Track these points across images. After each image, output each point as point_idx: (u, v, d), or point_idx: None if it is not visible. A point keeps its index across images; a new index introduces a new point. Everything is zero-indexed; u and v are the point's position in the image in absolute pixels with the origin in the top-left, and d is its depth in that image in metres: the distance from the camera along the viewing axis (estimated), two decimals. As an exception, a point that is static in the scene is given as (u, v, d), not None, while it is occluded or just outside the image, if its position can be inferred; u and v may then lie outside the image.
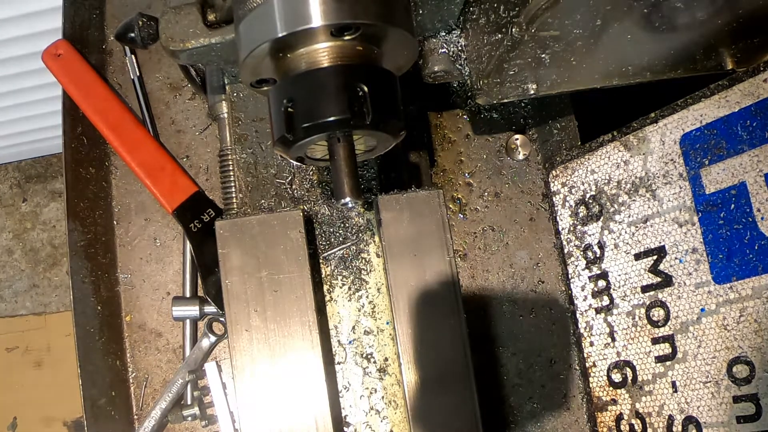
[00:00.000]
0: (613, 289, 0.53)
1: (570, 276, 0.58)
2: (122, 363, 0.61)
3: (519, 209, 0.61)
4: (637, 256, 0.51)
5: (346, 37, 0.39)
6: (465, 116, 0.63)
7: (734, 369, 0.44)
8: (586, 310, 0.56)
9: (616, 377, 0.53)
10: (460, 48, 0.50)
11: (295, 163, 0.48)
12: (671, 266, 0.48)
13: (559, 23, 0.40)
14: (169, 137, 0.66)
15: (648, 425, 0.50)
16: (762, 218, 0.42)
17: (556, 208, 0.59)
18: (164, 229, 0.63)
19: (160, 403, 0.59)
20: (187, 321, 0.60)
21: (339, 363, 0.51)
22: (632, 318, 0.52)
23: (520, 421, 0.59)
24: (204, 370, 0.59)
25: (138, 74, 0.67)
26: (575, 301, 0.57)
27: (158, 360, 0.61)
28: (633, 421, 0.52)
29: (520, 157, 0.62)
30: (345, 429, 0.51)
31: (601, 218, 0.54)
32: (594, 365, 0.55)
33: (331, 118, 0.38)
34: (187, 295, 0.61)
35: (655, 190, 0.50)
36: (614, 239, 0.53)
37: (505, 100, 0.50)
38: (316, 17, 0.37)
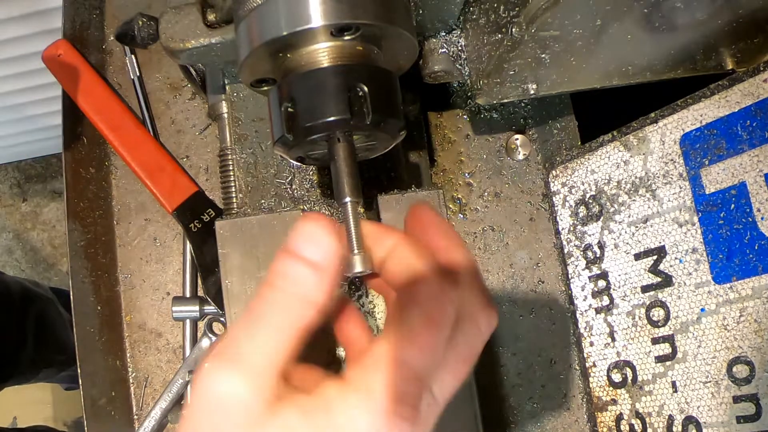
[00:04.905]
0: (613, 289, 0.53)
1: (570, 276, 0.58)
2: (122, 363, 0.61)
3: (519, 209, 0.61)
4: (637, 256, 0.51)
5: (346, 37, 0.39)
6: (465, 116, 0.63)
7: (734, 369, 0.44)
8: (586, 310, 0.56)
9: (616, 377, 0.53)
10: (460, 48, 0.50)
11: (295, 163, 0.48)
12: (671, 266, 0.48)
13: (559, 23, 0.40)
14: (169, 137, 0.66)
15: (648, 425, 0.50)
16: (762, 218, 0.42)
17: (556, 208, 0.59)
18: (164, 229, 0.63)
19: (160, 403, 0.59)
20: (187, 321, 0.60)
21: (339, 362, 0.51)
22: (632, 318, 0.52)
23: (520, 421, 0.59)
24: (204, 370, 0.59)
25: (138, 74, 0.67)
26: (575, 301, 0.57)
27: (158, 360, 0.61)
28: (633, 421, 0.52)
29: (520, 157, 0.62)
30: None
31: (601, 218, 0.54)
32: (594, 365, 0.55)
33: (332, 118, 0.38)
34: (187, 295, 0.61)
35: (655, 190, 0.50)
36: (614, 239, 0.53)
37: (505, 100, 0.50)
38: (316, 17, 0.37)
